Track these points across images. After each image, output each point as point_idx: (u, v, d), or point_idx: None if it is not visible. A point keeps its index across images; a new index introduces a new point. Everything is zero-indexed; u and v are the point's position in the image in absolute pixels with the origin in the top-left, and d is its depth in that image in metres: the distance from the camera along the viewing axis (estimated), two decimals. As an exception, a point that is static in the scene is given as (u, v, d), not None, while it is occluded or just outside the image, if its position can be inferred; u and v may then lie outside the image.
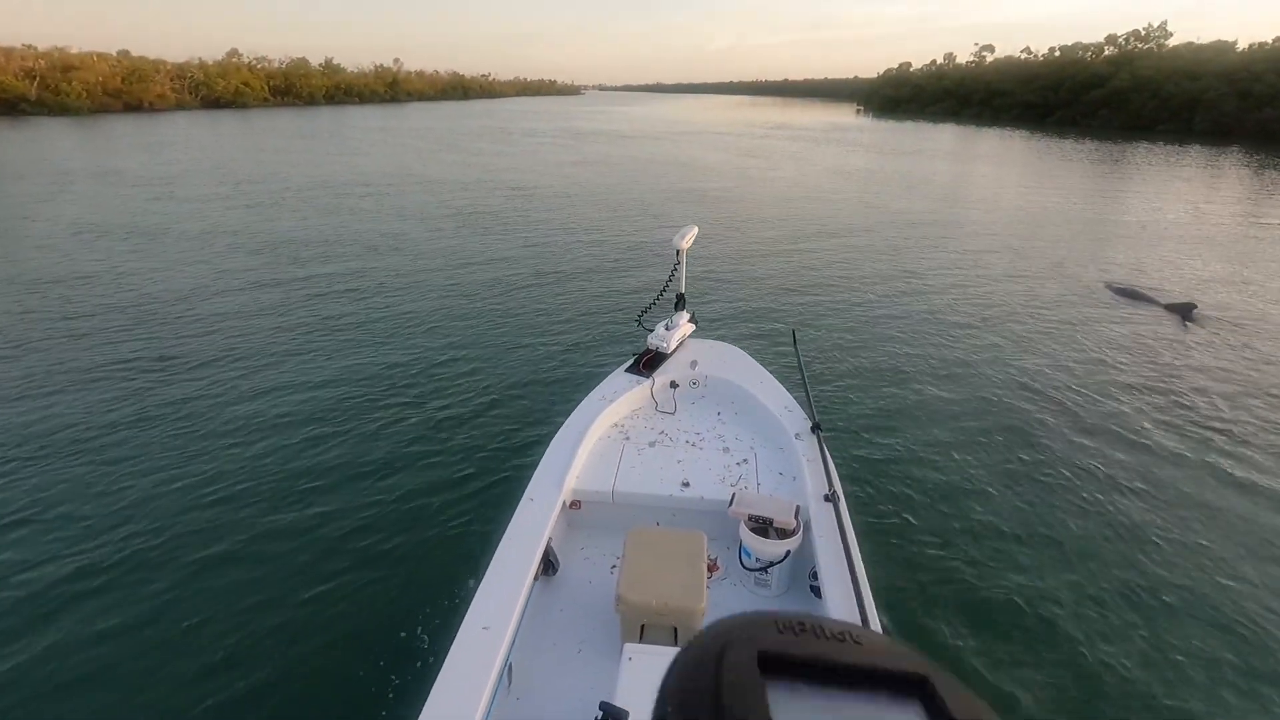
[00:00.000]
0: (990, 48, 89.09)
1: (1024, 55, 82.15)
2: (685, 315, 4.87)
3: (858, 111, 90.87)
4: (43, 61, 52.02)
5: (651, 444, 3.87)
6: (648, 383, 4.32)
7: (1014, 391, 6.58)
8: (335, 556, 4.13)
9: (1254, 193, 21.32)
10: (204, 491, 4.73)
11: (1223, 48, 57.60)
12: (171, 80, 61.55)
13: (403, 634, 3.53)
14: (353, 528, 4.40)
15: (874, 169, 26.52)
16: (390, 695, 3.16)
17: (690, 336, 4.89)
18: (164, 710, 3.14)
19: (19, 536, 4.26)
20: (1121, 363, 7.37)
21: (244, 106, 65.95)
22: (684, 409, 4.28)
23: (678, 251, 4.67)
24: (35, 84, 48.90)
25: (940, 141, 43.16)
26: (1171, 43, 63.58)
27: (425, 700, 2.12)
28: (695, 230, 4.66)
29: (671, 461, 3.69)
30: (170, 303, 8.79)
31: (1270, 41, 54.04)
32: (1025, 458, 5.37)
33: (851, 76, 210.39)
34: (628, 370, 4.45)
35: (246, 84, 68.59)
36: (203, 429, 5.59)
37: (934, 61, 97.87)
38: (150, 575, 3.95)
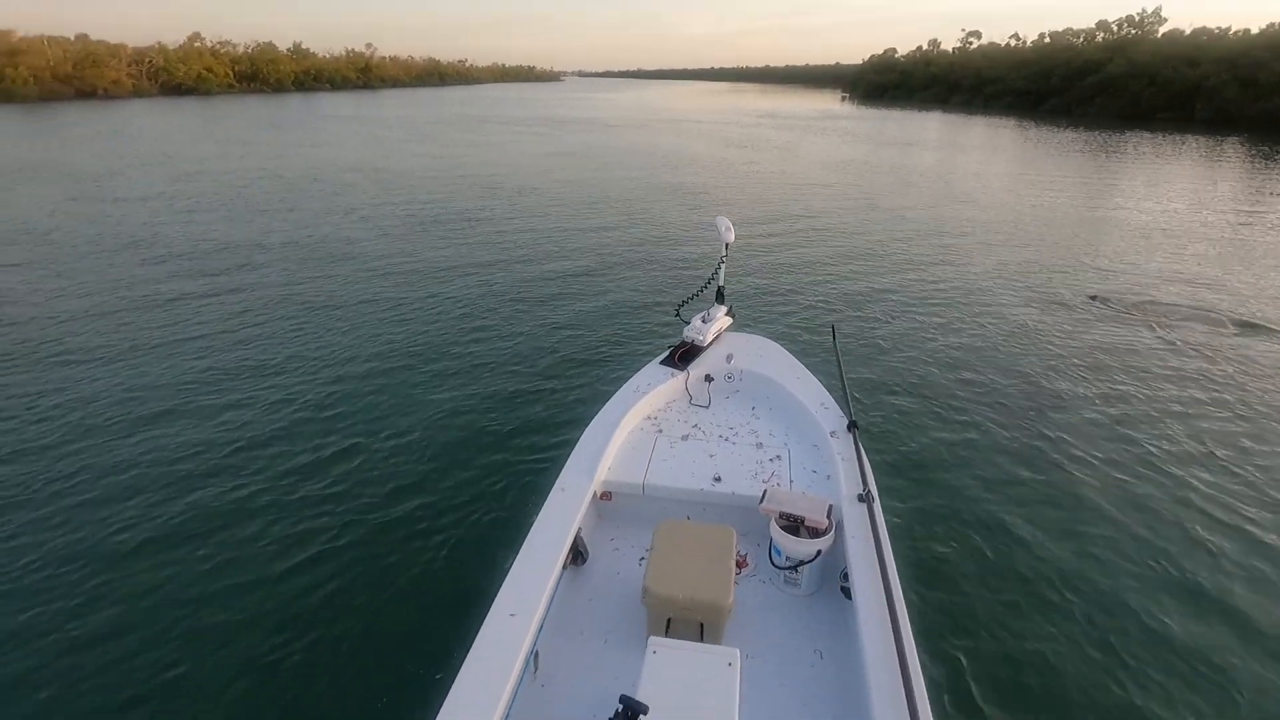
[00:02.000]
0: (977, 34, 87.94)
1: (1013, 42, 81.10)
2: (723, 309, 4.78)
3: (843, 99, 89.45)
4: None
5: (684, 437, 3.84)
6: (682, 375, 4.28)
7: (1062, 399, 6.27)
8: (365, 539, 4.19)
9: (1260, 185, 20.13)
10: (229, 479, 4.78)
11: (1219, 34, 56.78)
12: (129, 66, 58.19)
13: (430, 618, 3.56)
14: (383, 512, 4.44)
15: (882, 162, 25.04)
16: (416, 679, 3.18)
17: (727, 330, 4.80)
18: (200, 684, 3.21)
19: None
20: (1179, 376, 6.89)
21: (207, 93, 62.75)
22: (718, 403, 4.23)
23: (725, 245, 4.57)
24: (-24, 69, 45.69)
25: (933, 130, 41.88)
26: (1164, 29, 62.67)
27: (451, 684, 2.13)
28: (730, 222, 4.55)
29: (704, 455, 3.65)
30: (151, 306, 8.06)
31: (1272, 25, 52.99)
32: (1073, 471, 5.09)
33: (833, 63, 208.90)
34: (662, 363, 4.40)
35: (210, 69, 65.32)
36: (236, 415, 5.63)
37: (920, 48, 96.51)
38: (180, 548, 4.08)
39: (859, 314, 8.64)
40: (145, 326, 7.71)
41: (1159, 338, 7.88)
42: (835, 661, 2.66)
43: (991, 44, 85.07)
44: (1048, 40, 73.30)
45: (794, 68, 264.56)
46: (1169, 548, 4.28)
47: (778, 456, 3.67)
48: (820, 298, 9.27)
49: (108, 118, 37.29)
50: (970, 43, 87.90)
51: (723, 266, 4.75)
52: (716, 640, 2.61)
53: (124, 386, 6.23)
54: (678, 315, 4.79)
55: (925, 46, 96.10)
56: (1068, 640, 3.57)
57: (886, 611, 2.44)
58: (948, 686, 3.24)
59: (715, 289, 4.85)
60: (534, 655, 2.51)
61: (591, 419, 3.76)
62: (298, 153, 24.05)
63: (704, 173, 21.17)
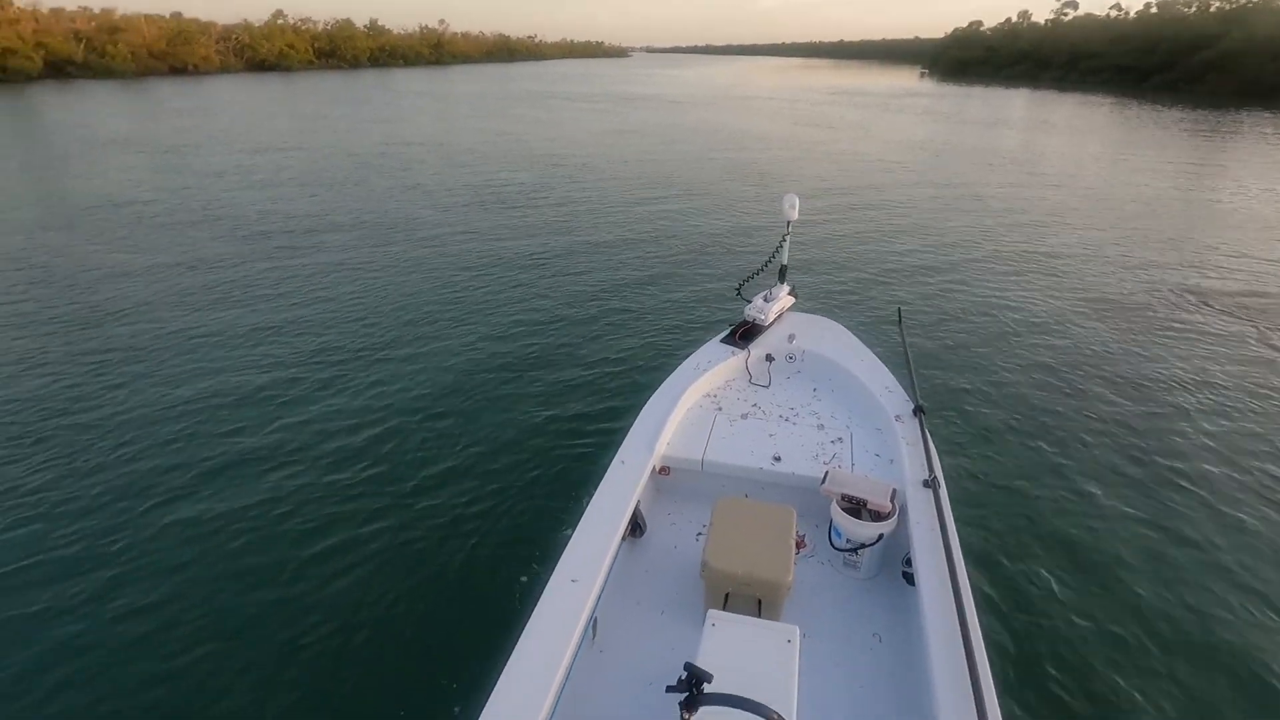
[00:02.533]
0: (1073, 3, 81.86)
1: (1113, 14, 75.06)
2: (786, 288, 4.75)
3: (921, 75, 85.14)
4: (91, 24, 51.67)
5: (744, 416, 3.82)
6: (743, 354, 4.27)
7: (1149, 399, 5.96)
8: (433, 506, 4.32)
9: None
10: (311, 454, 4.87)
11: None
12: (216, 43, 60.79)
13: (494, 580, 3.68)
14: (453, 481, 4.57)
15: (961, 142, 23.63)
16: (480, 640, 3.25)
17: (789, 310, 4.78)
18: (285, 640, 3.36)
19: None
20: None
21: (288, 69, 65.00)
22: (779, 383, 4.22)
23: (788, 223, 4.53)
24: (82, 46, 48.56)
25: (1019, 109, 39.29)
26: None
27: (514, 645, 2.19)
28: (798, 199, 4.50)
29: (763, 435, 3.63)
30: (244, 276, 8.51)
31: None
32: (1157, 471, 4.86)
33: (912, 37, 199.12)
34: (723, 341, 4.38)
35: (291, 46, 67.51)
36: (307, 398, 5.68)
37: (1008, 20, 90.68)
38: (281, 518, 4.21)
39: (927, 298, 8.36)
40: (202, 298, 7.92)
41: (1273, 345, 7.15)
42: (894, 646, 2.66)
43: (1088, 15, 79.11)
44: (1154, 11, 67.39)
45: (869, 42, 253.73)
46: (1262, 561, 4.02)
47: (839, 439, 3.64)
48: (887, 280, 8.99)
49: (196, 93, 39.07)
50: (1065, 15, 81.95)
51: (786, 244, 4.69)
52: (774, 618, 2.60)
53: (174, 356, 6.41)
54: (739, 294, 4.75)
55: (1014, 19, 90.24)
56: (1145, 644, 3.41)
57: (951, 599, 2.39)
58: (1015, 679, 3.14)
59: (778, 267, 4.78)
60: (593, 622, 2.57)
61: (652, 395, 3.78)
62: (368, 128, 24.52)
63: (771, 151, 20.45)
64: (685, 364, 4.14)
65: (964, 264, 9.75)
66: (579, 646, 2.29)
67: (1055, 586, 3.75)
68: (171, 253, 9.57)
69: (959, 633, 2.27)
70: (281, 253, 9.68)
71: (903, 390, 3.88)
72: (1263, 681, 3.24)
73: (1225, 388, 6.17)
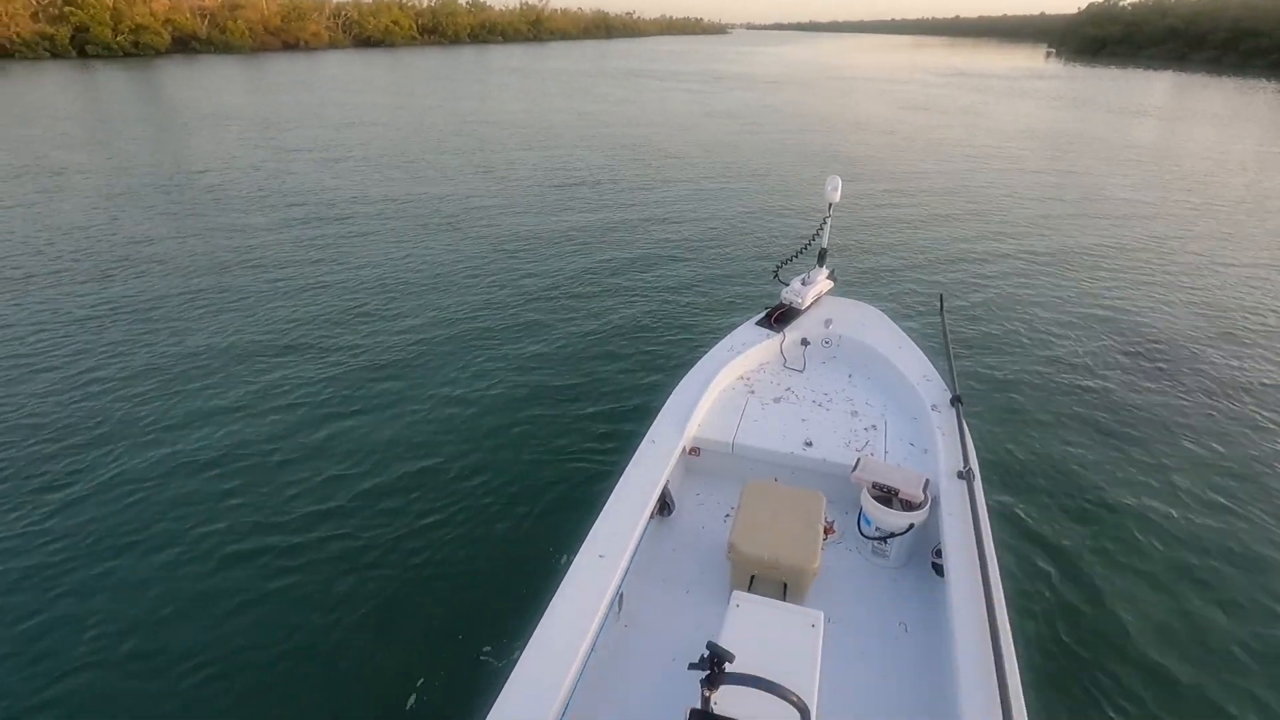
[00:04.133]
0: (1237, -25, 72.19)
1: (1287, -16, 65.58)
2: (824, 272, 4.70)
3: (1048, 55, 77.92)
4: (215, 1, 54.82)
5: (776, 400, 3.80)
6: (778, 338, 4.23)
7: (1192, 395, 5.75)
8: (471, 480, 4.35)
9: None
10: (345, 440, 4.87)
11: None
12: (327, 20, 63.25)
13: (525, 552, 3.75)
14: (481, 452, 4.62)
15: (1071, 131, 20.87)
16: (510, 611, 3.34)
17: (828, 294, 4.73)
18: (318, 621, 3.42)
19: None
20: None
21: (392, 45, 66.94)
22: (813, 368, 4.19)
23: (829, 205, 4.42)
24: (205, 22, 51.60)
25: (1162, 94, 34.78)
26: None
27: (541, 616, 2.23)
28: (840, 181, 4.34)
29: (795, 420, 3.61)
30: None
31: None
32: (1202, 469, 4.71)
33: (1037, 13, 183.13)
34: (758, 324, 4.36)
35: (396, 22, 69.44)
36: (340, 387, 5.64)
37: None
38: (314, 511, 4.19)
39: (971, 289, 8.10)
40: (245, 280, 7.74)
41: None
42: (921, 635, 2.61)
43: (1255, -12, 69.63)
44: (1341, -18, 58.26)
45: (988, 18, 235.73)
46: None
47: (873, 426, 3.60)
48: (931, 269, 8.71)
49: (303, 69, 40.59)
50: (1226, -13, 72.47)
51: (827, 227, 4.57)
52: (799, 602, 2.57)
53: (212, 335, 6.49)
54: (776, 276, 4.72)
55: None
56: (1176, 637, 3.36)
57: (981, 591, 2.36)
58: (1043, 675, 3.05)
59: (818, 250, 4.67)
60: (620, 597, 2.58)
61: (685, 375, 3.75)
62: (454, 105, 24.41)
63: (871, 139, 18.66)
64: (719, 345, 4.09)
65: (1021, 255, 9.33)
66: (605, 620, 2.32)
67: (1090, 585, 3.64)
68: (209, 230, 9.44)
69: (987, 626, 2.24)
70: (326, 233, 9.38)
71: (941, 379, 3.79)
72: None
73: None
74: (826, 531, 3.02)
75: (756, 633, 2.12)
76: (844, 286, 5.11)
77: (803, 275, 4.64)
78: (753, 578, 2.64)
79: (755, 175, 13.94)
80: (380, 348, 6.25)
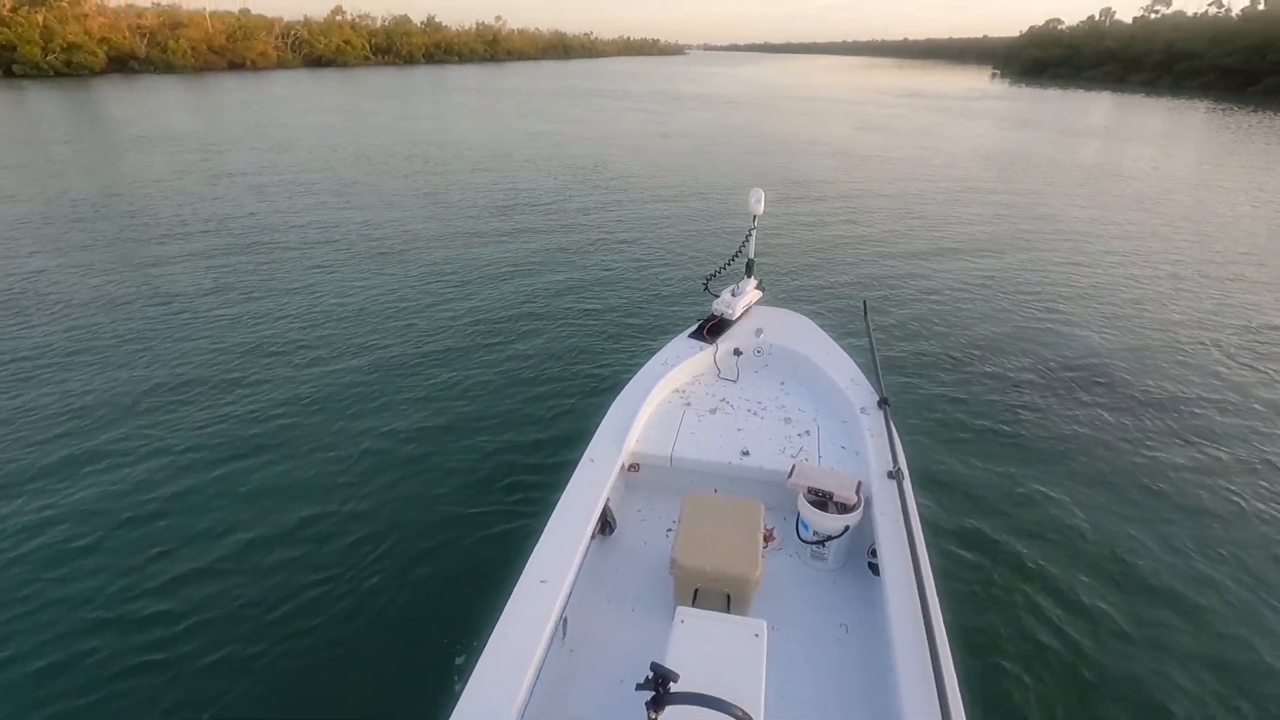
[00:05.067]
0: (1165, 0, 75.99)
1: (1213, 10, 69.19)
2: (753, 282, 4.76)
3: (993, 76, 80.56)
4: (155, 19, 52.88)
5: (712, 411, 3.82)
6: (711, 349, 4.26)
7: (1110, 399, 5.95)
8: (398, 508, 4.23)
9: None
10: (267, 457, 4.70)
11: None
12: (276, 39, 61.66)
13: (463, 584, 3.62)
14: (415, 482, 4.46)
15: (1015, 150, 21.04)
16: (450, 642, 3.22)
17: (757, 304, 4.79)
18: (233, 658, 3.23)
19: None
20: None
21: (344, 65, 65.57)
22: (747, 377, 4.22)
23: (754, 218, 4.52)
24: (145, 41, 49.65)
25: (1103, 114, 35.84)
26: None
27: (483, 647, 2.18)
28: (763, 194, 4.48)
29: (731, 429, 3.64)
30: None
31: None
32: (1109, 460, 4.94)
33: (981, 36, 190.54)
34: (691, 336, 4.38)
35: (348, 42, 68.14)
36: (258, 396, 5.53)
37: (1091, 18, 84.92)
38: (224, 528, 4.05)
39: (893, 293, 8.41)
40: (147, 318, 6.93)
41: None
42: (861, 636, 2.66)
43: (1178, 13, 73.27)
44: (1262, 8, 61.43)
45: (935, 41, 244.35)
46: (1214, 545, 4.10)
47: (806, 432, 3.64)
48: (856, 276, 9.05)
49: (247, 88, 39.16)
50: (1156, 11, 76.14)
51: (752, 239, 4.67)
52: (743, 612, 2.60)
53: (118, 380, 5.85)
54: (706, 289, 4.73)
55: (1097, 16, 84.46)
56: (1097, 624, 3.49)
57: (915, 588, 2.42)
58: (976, 665, 3.08)
59: (745, 261, 4.74)
60: (563, 621, 2.53)
61: (620, 391, 3.72)
62: (402, 126, 23.53)
63: (820, 158, 18.40)
64: (654, 360, 4.09)
65: (948, 266, 9.60)
66: (549, 647, 2.28)
67: (1016, 575, 3.79)
68: (121, 258, 8.40)
69: (922, 621, 2.28)
70: (244, 262, 8.48)
71: (868, 382, 3.86)
72: (1222, 666, 3.28)
73: (1204, 400, 5.94)
74: (766, 539, 3.07)
75: (701, 647, 2.11)
76: (774, 296, 5.21)
77: (732, 286, 4.66)
78: (696, 591, 2.62)
79: (700, 194, 13.70)
80: (299, 381, 5.82)
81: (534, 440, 4.95)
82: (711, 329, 4.38)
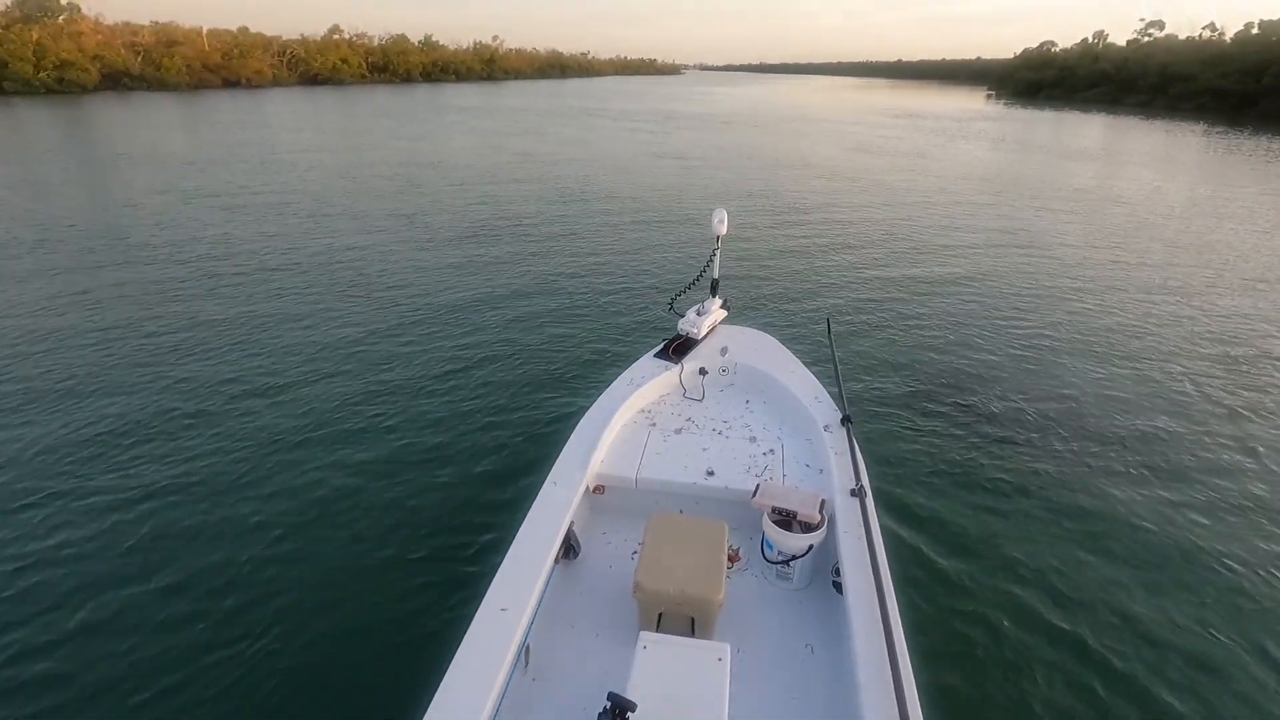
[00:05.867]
0: (1159, 24, 76.70)
1: (1207, 34, 69.69)
2: (718, 301, 4.77)
3: (988, 97, 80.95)
4: (150, 37, 52.81)
5: (678, 431, 3.81)
6: (676, 369, 4.25)
7: (1063, 409, 6.02)
8: (352, 534, 4.12)
9: None
10: (225, 483, 4.61)
11: None
12: (271, 57, 61.66)
13: (421, 613, 3.53)
14: (374, 505, 4.38)
15: (1012, 173, 20.68)
16: (407, 673, 3.16)
17: (722, 323, 4.80)
18: (191, 683, 3.15)
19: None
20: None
21: (340, 83, 65.59)
22: (712, 396, 4.22)
23: (717, 238, 4.54)
24: (139, 59, 49.51)
25: (1098, 136, 35.67)
26: None
27: (441, 678, 2.13)
28: (726, 214, 4.50)
29: (697, 449, 3.63)
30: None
31: None
32: (1067, 476, 5.00)
33: (974, 57, 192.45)
34: (656, 355, 4.37)
35: (344, 60, 68.25)
36: (221, 419, 5.41)
37: (1084, 40, 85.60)
38: (177, 553, 3.95)
39: (857, 311, 8.49)
40: (85, 348, 6.22)
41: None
42: (826, 655, 2.64)
43: (1170, 35, 73.84)
44: (1255, 32, 61.75)
45: (929, 62, 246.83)
46: (1173, 558, 4.19)
47: (771, 450, 3.63)
48: (820, 295, 9.02)
49: (241, 106, 38.87)
50: (1150, 35, 76.77)
51: (717, 258, 4.68)
52: (707, 635, 2.59)
53: (99, 406, 5.61)
54: (671, 308, 4.80)
55: (1090, 39, 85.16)
56: (1057, 640, 3.53)
57: (877, 606, 2.43)
58: (937, 682, 3.10)
59: (710, 281, 4.76)
60: (525, 649, 2.49)
61: (585, 412, 3.70)
62: (393, 144, 23.13)
63: (818, 183, 17.95)
64: (619, 380, 4.08)
65: (893, 280, 9.71)
66: (510, 676, 2.25)
67: (977, 591, 3.79)
68: (68, 286, 7.82)
69: (884, 639, 2.28)
70: (199, 284, 7.89)
71: (831, 400, 3.87)
72: (1177, 678, 3.33)
73: (1181, 432, 5.83)
74: (731, 560, 3.05)
75: (665, 673, 2.09)
76: (739, 314, 5.25)
77: (697, 306, 4.68)
78: (660, 614, 2.58)
79: (684, 217, 13.35)
80: (256, 413, 5.59)
81: (497, 464, 4.85)
82: (677, 348, 4.37)
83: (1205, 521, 4.56)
